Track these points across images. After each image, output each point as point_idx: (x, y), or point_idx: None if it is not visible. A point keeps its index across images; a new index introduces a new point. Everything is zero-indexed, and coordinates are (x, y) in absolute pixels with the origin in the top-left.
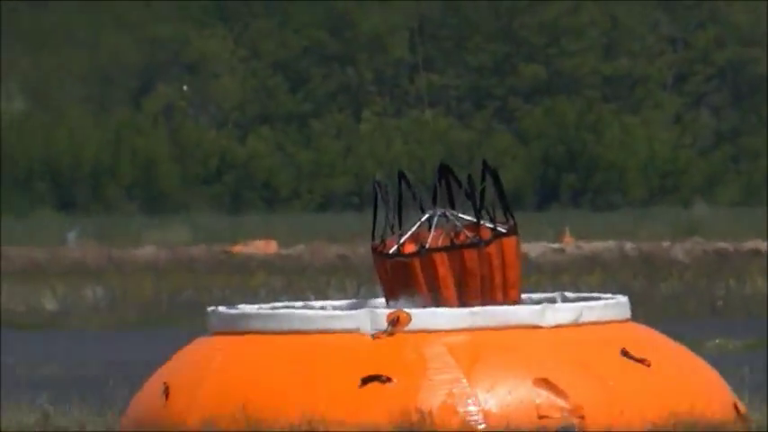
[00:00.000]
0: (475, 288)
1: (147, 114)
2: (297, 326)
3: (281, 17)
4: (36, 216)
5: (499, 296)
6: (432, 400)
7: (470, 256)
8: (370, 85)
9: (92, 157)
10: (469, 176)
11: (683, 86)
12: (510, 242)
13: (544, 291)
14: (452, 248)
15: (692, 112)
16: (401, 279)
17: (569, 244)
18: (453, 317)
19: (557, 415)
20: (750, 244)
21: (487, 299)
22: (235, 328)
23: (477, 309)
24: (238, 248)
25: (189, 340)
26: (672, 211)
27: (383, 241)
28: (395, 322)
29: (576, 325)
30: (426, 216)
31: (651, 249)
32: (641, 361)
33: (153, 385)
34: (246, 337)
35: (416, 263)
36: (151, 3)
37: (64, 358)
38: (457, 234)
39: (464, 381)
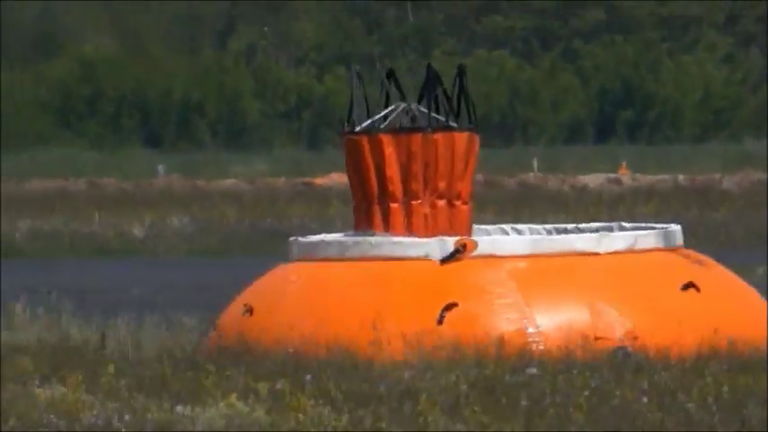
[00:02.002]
0: (417, 171)
1: (231, 54)
2: (371, 253)
3: None
4: (126, 151)
5: (442, 185)
6: (494, 323)
7: (415, 140)
8: (441, 27)
9: (179, 95)
10: (428, 71)
11: (733, 27)
12: (462, 136)
13: (602, 220)
14: (398, 131)
15: (742, 51)
16: (353, 158)
17: (626, 176)
18: (515, 243)
19: (612, 337)
20: None
21: (429, 184)
22: (313, 255)
23: (537, 236)
24: (316, 180)
25: (270, 266)
26: (723, 146)
27: (348, 126)
28: (461, 249)
29: (630, 252)
30: (392, 107)
31: (703, 181)
32: (691, 286)
33: (238, 305)
34: (324, 263)
35: (365, 141)
36: None
37: (151, 282)
38: (412, 125)
39: (524, 305)
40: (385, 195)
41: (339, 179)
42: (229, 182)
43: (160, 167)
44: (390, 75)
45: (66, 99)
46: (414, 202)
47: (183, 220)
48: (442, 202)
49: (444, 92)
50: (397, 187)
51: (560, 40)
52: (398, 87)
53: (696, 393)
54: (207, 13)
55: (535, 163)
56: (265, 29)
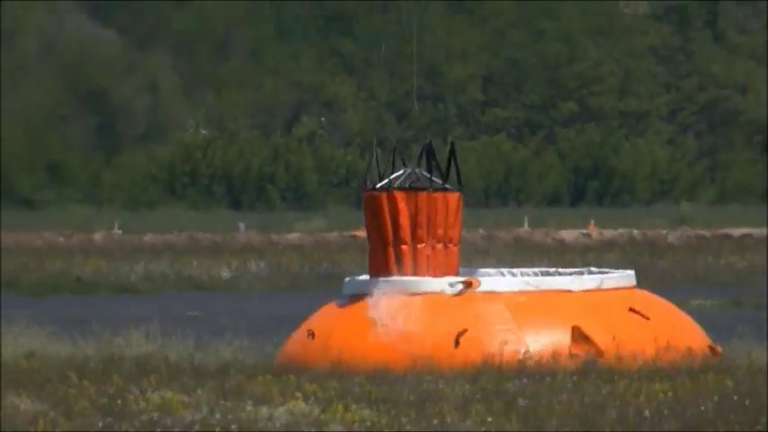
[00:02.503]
0: (422, 221)
1: (296, 138)
2: (403, 289)
3: (390, 70)
4: (216, 212)
5: (440, 232)
6: (495, 344)
7: (421, 197)
8: (453, 118)
9: (256, 168)
10: (425, 148)
11: (674, 118)
12: (453, 196)
13: (576, 266)
14: (409, 189)
15: (681, 136)
16: (373, 212)
17: (594, 231)
18: (510, 283)
19: (583, 353)
20: (723, 231)
21: (431, 231)
22: (360, 291)
23: (527, 277)
24: (360, 233)
25: (326, 301)
26: (667, 208)
27: (369, 184)
28: (468, 285)
29: (598, 290)
30: (401, 171)
31: (653, 236)
32: (643, 315)
33: (302, 330)
34: (363, 300)
35: (383, 196)
36: (299, 56)
37: (235, 312)
38: (417, 185)
39: (518, 329)
40: (397, 239)
41: None
42: (294, 235)
43: (241, 224)
44: (394, 151)
45: (171, 173)
46: (419, 245)
47: (260, 265)
48: (439, 245)
49: (437, 164)
50: (406, 233)
51: (544, 128)
52: (429, 161)
53: (648, 396)
54: (277, 106)
55: (525, 221)
56: (322, 119)
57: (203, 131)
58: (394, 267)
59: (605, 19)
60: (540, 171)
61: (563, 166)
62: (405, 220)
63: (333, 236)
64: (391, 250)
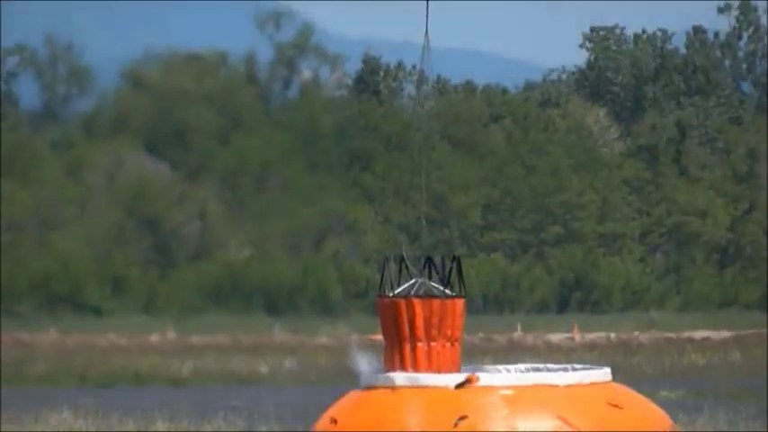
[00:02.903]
0: (436, 323)
1: (323, 255)
2: (411, 383)
3: (403, 198)
4: (256, 317)
5: (449, 332)
6: (490, 428)
7: (436, 304)
8: (456, 239)
9: (288, 282)
10: (442, 260)
11: (645, 239)
12: (459, 302)
13: (561, 363)
14: (426, 297)
15: (650, 254)
16: (391, 315)
17: (577, 335)
18: (505, 378)
19: None
20: (686, 334)
21: (441, 332)
22: (375, 384)
23: (520, 374)
24: (376, 337)
25: (346, 392)
26: (638, 315)
27: (383, 293)
28: (468, 381)
29: (579, 384)
30: (413, 281)
31: (626, 338)
32: (617, 406)
33: (327, 417)
34: (379, 390)
35: (402, 303)
36: (326, 187)
37: (272, 402)
38: (430, 293)
39: (511, 419)
40: (414, 338)
41: None
42: (321, 338)
43: (277, 327)
44: (402, 259)
45: (216, 286)
46: (433, 343)
47: (292, 362)
48: (448, 344)
49: (456, 274)
50: (422, 333)
51: (534, 247)
52: (434, 271)
53: None
54: (307, 230)
55: (518, 326)
56: (344, 240)
57: (244, 251)
58: (408, 362)
59: (586, 156)
60: (531, 284)
61: (550, 280)
62: (420, 323)
63: (353, 339)
64: (407, 347)
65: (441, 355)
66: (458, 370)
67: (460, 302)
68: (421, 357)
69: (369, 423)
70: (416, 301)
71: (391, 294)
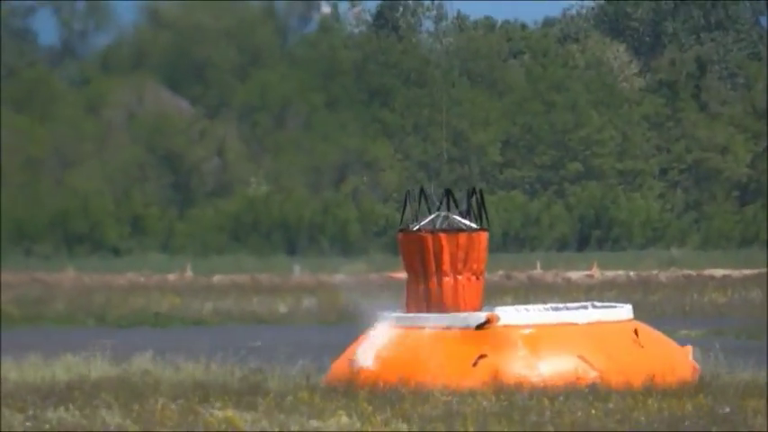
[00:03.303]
0: (462, 257)
1: (342, 193)
2: (434, 323)
3: (423, 135)
4: (275, 257)
5: (475, 266)
6: (510, 368)
7: (462, 237)
8: (476, 176)
9: (308, 219)
10: (469, 193)
11: (665, 176)
12: (484, 235)
13: (581, 302)
14: (452, 231)
15: (670, 191)
16: (417, 250)
17: (596, 273)
18: (525, 316)
19: (588, 377)
20: (707, 272)
21: (467, 265)
22: (396, 325)
23: (539, 313)
24: (396, 275)
25: (367, 330)
26: (658, 252)
27: (407, 227)
28: (489, 321)
29: (599, 322)
30: (434, 215)
31: (646, 276)
32: (638, 344)
33: (344, 358)
34: (402, 329)
35: (429, 237)
36: (345, 124)
37: (290, 342)
38: (455, 225)
39: (531, 358)
40: (440, 273)
41: None
42: (340, 276)
43: (296, 267)
44: (421, 192)
45: (236, 223)
46: (459, 277)
47: (312, 301)
48: (473, 277)
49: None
50: (448, 267)
51: (554, 184)
52: (454, 204)
53: (645, 411)
54: (326, 167)
55: (538, 264)
56: (364, 178)
57: (263, 188)
58: (434, 297)
59: (606, 92)
60: (551, 221)
61: (570, 217)
62: (447, 257)
63: (373, 277)
64: (434, 282)
65: (466, 289)
66: (481, 304)
67: (485, 235)
68: (448, 291)
69: (388, 364)
70: (443, 235)
71: (415, 229)
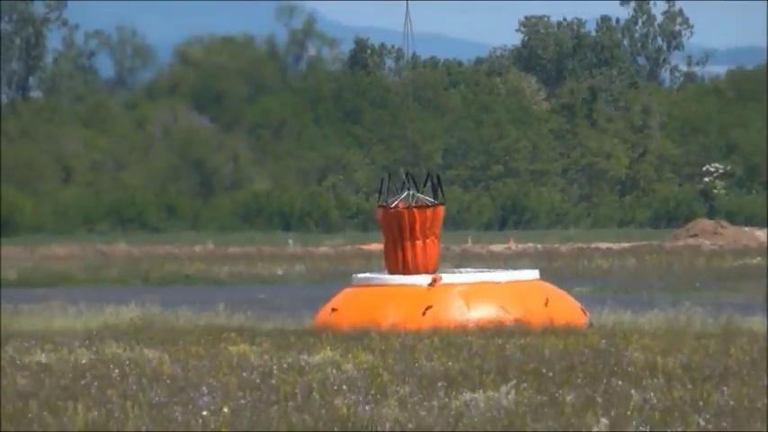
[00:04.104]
0: (426, 225)
1: (324, 188)
2: (392, 282)
3: (385, 145)
4: (273, 233)
5: (436, 231)
6: (450, 315)
7: (428, 211)
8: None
9: (298, 207)
10: (427, 179)
11: (566, 175)
12: (441, 208)
13: (501, 268)
14: (421, 206)
15: (569, 186)
16: (395, 222)
17: (513, 246)
18: (460, 278)
19: (506, 321)
20: (594, 245)
21: (431, 231)
22: (365, 284)
23: (471, 274)
24: (366, 247)
25: (344, 288)
26: (559, 232)
27: (384, 204)
28: (434, 280)
29: (515, 281)
30: (404, 194)
31: (549, 248)
32: (544, 298)
33: (328, 308)
34: (369, 287)
35: (405, 212)
36: (328, 136)
37: (286, 296)
38: (420, 202)
39: (465, 308)
40: (413, 238)
41: (378, 247)
42: (323, 248)
43: (290, 241)
44: (389, 177)
45: (245, 210)
46: (427, 240)
47: (301, 267)
48: (435, 239)
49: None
50: (419, 233)
51: (482, 182)
52: (414, 184)
53: (548, 346)
54: (312, 168)
55: (469, 239)
56: (340, 177)
57: (266, 184)
58: (409, 255)
59: (521, 113)
60: (479, 208)
61: (493, 206)
62: (418, 226)
63: (348, 248)
64: (408, 245)
65: (430, 248)
66: (437, 261)
67: (442, 208)
68: (418, 251)
69: (359, 313)
70: (415, 210)
71: (393, 206)
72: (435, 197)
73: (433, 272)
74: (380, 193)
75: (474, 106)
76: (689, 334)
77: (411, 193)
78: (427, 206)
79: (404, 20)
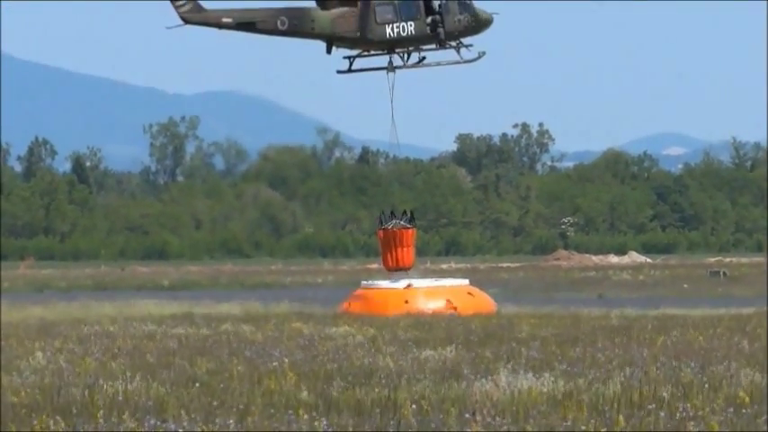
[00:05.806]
0: (405, 239)
1: (346, 232)
2: (384, 286)
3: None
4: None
5: (411, 242)
6: (418, 306)
7: (410, 231)
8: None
9: (330, 243)
10: (403, 215)
11: (485, 228)
12: (413, 230)
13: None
14: (404, 228)
15: (485, 231)
16: (392, 238)
17: (454, 266)
18: (424, 283)
19: (451, 310)
20: (498, 264)
21: (412, 242)
22: (369, 288)
23: (430, 281)
24: (370, 266)
25: (356, 290)
26: (481, 258)
27: (382, 227)
28: (409, 285)
29: (454, 286)
30: (394, 221)
31: (473, 267)
32: (471, 294)
33: (346, 302)
34: (371, 289)
35: (400, 231)
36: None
37: (322, 296)
38: (405, 226)
39: (426, 302)
40: (401, 246)
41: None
42: (344, 267)
43: (325, 263)
44: (392, 215)
45: (300, 245)
46: (405, 248)
47: (332, 278)
48: (413, 248)
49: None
50: (404, 243)
51: (432, 229)
52: (399, 218)
53: (474, 323)
54: (337, 222)
55: (428, 262)
56: (355, 226)
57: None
58: (399, 257)
59: (455, 188)
60: (433, 244)
61: (441, 242)
62: (404, 239)
63: (358, 267)
64: (399, 250)
65: (410, 252)
66: (413, 260)
67: (414, 230)
68: (405, 255)
69: (365, 305)
70: (401, 230)
71: (390, 228)
72: (410, 224)
73: (410, 268)
74: (381, 222)
75: (430, 185)
76: (556, 317)
77: (397, 221)
78: (407, 228)
79: (389, 135)
